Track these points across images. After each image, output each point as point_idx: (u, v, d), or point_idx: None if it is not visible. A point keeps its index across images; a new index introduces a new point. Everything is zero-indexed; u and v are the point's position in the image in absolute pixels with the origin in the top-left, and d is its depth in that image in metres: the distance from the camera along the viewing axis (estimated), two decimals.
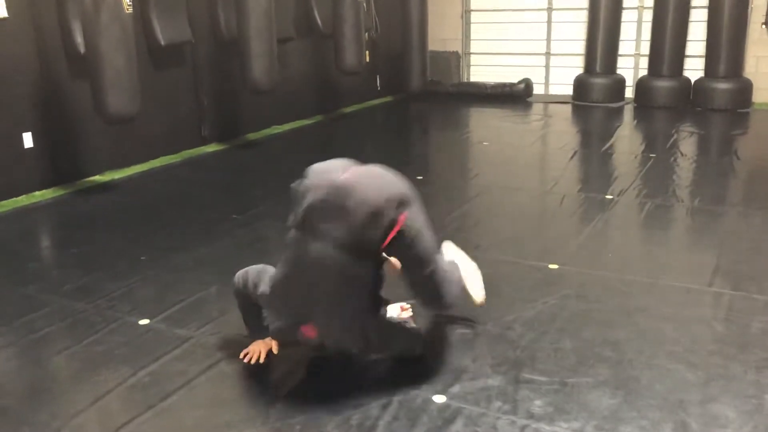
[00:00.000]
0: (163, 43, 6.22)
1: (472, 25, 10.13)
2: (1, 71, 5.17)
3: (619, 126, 7.87)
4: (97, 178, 5.89)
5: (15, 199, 5.31)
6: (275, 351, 2.79)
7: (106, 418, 2.51)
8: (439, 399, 2.56)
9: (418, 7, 8.88)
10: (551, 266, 3.75)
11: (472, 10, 10.07)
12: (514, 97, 9.43)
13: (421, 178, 5.70)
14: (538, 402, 2.53)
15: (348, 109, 9.01)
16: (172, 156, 6.58)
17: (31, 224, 4.97)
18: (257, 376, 2.77)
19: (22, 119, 5.38)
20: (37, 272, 3.93)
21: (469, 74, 10.33)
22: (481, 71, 10.13)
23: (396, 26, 9.15)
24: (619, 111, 8.66)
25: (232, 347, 2.94)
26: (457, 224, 4.56)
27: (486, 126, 8.41)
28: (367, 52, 8.81)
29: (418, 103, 9.42)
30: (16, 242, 4.52)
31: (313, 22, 8.18)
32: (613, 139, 7.17)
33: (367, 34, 8.64)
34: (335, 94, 8.85)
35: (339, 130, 8.05)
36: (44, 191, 5.51)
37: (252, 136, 7.52)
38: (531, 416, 2.44)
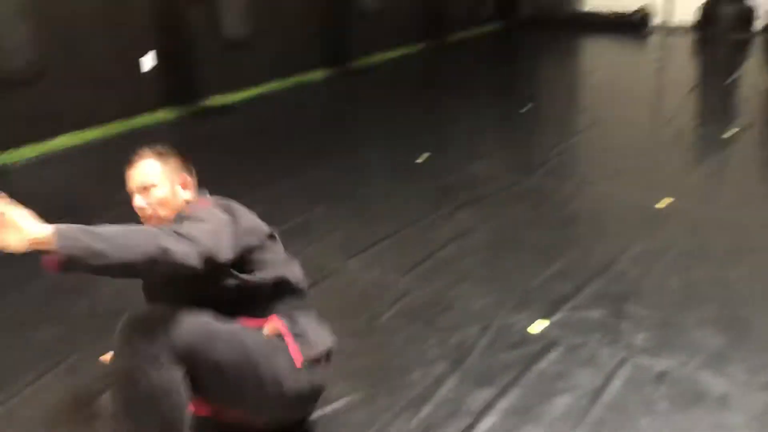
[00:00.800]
0: None
1: None
2: None
3: (745, 59, 7.33)
4: (212, 101, 6.11)
5: (137, 118, 5.61)
6: None
7: None
8: (539, 327, 2.58)
9: None
10: (662, 203, 3.62)
11: None
12: (632, 26, 8.93)
13: (527, 108, 5.59)
14: (640, 335, 2.50)
15: (455, 36, 8.83)
16: (283, 81, 6.71)
17: (148, 144, 5.25)
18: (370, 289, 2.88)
19: (144, 41, 5.61)
20: None
21: (584, 1, 9.84)
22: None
23: None
24: (747, 43, 8.04)
25: (336, 263, 3.05)
26: (564, 157, 4.46)
27: (600, 56, 8.05)
28: None
29: (528, 31, 9.10)
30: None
31: None
32: (738, 73, 6.70)
33: None
34: (443, 19, 8.67)
35: (444, 59, 7.93)
36: (164, 112, 5.78)
37: (359, 62, 7.53)
38: (632, 348, 2.42)
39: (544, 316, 2.64)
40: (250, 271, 1.91)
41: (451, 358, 2.41)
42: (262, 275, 1.93)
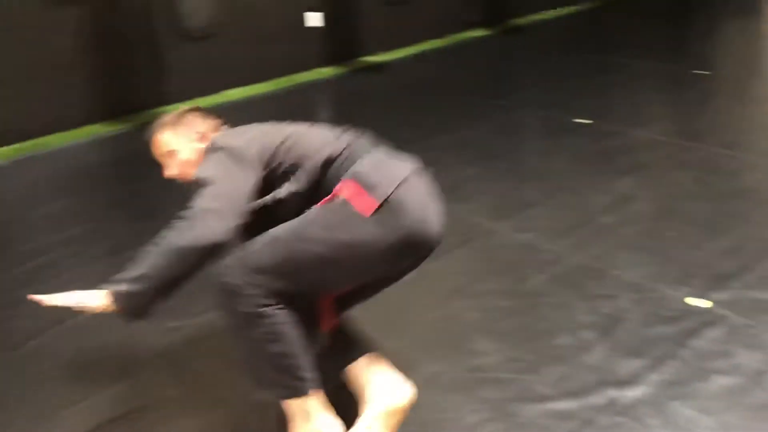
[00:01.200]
0: None
1: None
2: None
3: None
4: (371, 58, 6.23)
5: (303, 73, 5.85)
6: None
7: None
8: (700, 303, 2.45)
9: None
10: None
11: None
12: None
13: (702, 72, 5.20)
14: None
15: None
16: (440, 40, 6.70)
17: (311, 99, 5.48)
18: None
19: (309, 2, 5.81)
20: None
21: None
22: None
23: None
24: None
25: (487, 224, 3.05)
26: (740, 126, 4.12)
27: None
28: None
29: None
30: (303, 110, 5.05)
31: None
32: None
33: None
34: None
35: (614, 17, 7.51)
36: (327, 68, 5.98)
37: (519, 20, 7.33)
38: None
39: (707, 293, 2.49)
40: (286, 181, 1.86)
41: (601, 326, 2.35)
42: (297, 180, 1.85)
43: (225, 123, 2.21)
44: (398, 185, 1.76)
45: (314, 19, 5.85)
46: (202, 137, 2.06)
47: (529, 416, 1.98)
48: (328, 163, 1.86)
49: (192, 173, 1.89)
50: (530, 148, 4.12)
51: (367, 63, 6.12)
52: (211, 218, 1.69)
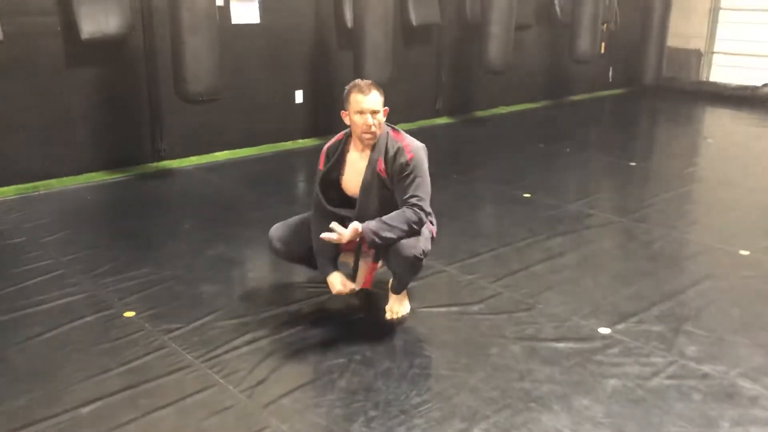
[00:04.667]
0: (415, 23, 7.09)
1: (719, 24, 9.82)
2: (285, 39, 6.36)
3: None
4: None
5: (283, 143, 6.50)
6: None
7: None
8: (604, 330, 3.04)
9: (662, 0, 8.89)
10: (747, 251, 3.95)
11: (722, 8, 9.76)
12: (757, 100, 9.06)
13: (633, 164, 5.99)
14: (692, 347, 2.91)
15: (576, 98, 9.32)
16: (409, 123, 7.46)
17: (293, 163, 6.12)
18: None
19: (296, 79, 6.55)
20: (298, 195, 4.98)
21: (709, 73, 10.04)
22: (723, 71, 9.80)
23: (636, 19, 9.22)
24: None
25: (440, 266, 3.65)
26: (660, 207, 4.83)
27: (718, 125, 8.27)
28: (602, 44, 9.04)
29: (649, 98, 9.43)
30: (284, 174, 5.67)
31: (553, 11, 8.61)
32: None
33: (605, 25, 8.88)
34: (565, 81, 9.20)
35: (564, 116, 8.43)
36: (305, 140, 6.65)
37: (480, 113, 8.19)
38: (682, 356, 2.84)
39: (611, 324, 3.10)
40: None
41: (522, 343, 2.93)
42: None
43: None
44: None
45: (299, 96, 6.57)
46: (386, 113, 2.98)
47: (461, 401, 2.53)
48: None
49: (378, 132, 2.95)
50: (482, 213, 4.78)
51: None
52: (426, 210, 2.96)
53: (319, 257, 3.14)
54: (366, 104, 2.88)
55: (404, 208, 2.89)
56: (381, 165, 2.95)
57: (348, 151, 3.06)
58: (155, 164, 5.66)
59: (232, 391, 2.58)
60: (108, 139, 5.45)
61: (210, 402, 2.52)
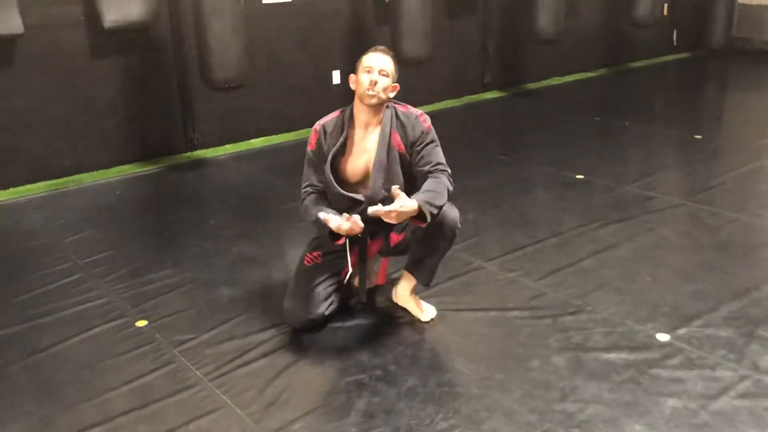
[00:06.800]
0: None
1: None
2: (319, 17, 6.05)
3: None
4: None
5: None
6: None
7: None
8: (663, 337, 2.67)
9: None
10: None
11: None
12: None
13: (699, 137, 5.47)
14: (767, 357, 2.51)
15: (636, 65, 8.69)
16: (455, 100, 7.07)
17: None
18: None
19: (333, 59, 6.24)
20: None
21: None
22: None
23: None
24: None
25: (479, 261, 3.31)
26: (728, 186, 4.36)
27: None
28: (665, 5, 8.40)
29: (718, 61, 8.72)
30: None
31: None
32: None
33: None
34: (624, 47, 8.58)
35: (623, 86, 7.85)
36: None
37: (532, 85, 7.71)
38: (756, 368, 2.45)
39: (670, 329, 2.71)
40: None
41: (566, 354, 2.58)
42: None
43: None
44: None
45: (336, 77, 6.27)
46: (395, 88, 2.76)
47: (493, 426, 2.21)
48: None
49: (383, 97, 2.69)
50: (528, 198, 4.39)
51: None
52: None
53: (318, 229, 2.73)
54: (375, 61, 2.71)
55: (438, 175, 2.67)
56: (396, 139, 2.73)
57: (352, 130, 2.79)
58: (188, 154, 5.47)
59: (239, 414, 2.34)
60: (138, 131, 5.28)
61: (214, 428, 2.29)
